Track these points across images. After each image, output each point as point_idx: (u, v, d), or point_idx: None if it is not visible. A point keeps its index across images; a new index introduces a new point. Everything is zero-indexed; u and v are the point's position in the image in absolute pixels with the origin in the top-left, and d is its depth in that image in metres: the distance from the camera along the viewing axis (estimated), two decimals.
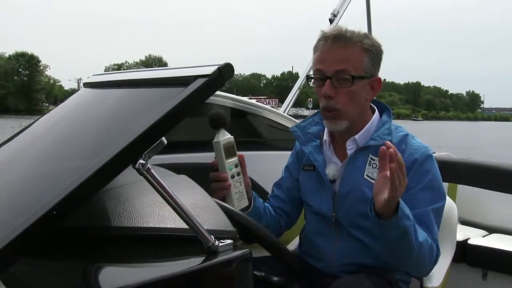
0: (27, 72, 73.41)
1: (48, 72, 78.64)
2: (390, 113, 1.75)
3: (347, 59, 1.60)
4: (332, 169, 1.72)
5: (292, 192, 1.89)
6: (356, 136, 1.68)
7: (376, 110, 1.76)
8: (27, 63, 73.90)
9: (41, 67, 75.90)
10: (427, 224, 1.57)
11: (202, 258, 1.03)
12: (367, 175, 1.65)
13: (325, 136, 1.77)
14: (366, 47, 1.62)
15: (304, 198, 1.85)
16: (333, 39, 1.61)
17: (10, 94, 67.26)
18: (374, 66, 1.66)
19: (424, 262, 1.57)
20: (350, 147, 1.70)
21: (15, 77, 71.58)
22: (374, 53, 1.65)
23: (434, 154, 1.71)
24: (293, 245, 2.09)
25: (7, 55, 75.07)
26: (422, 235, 1.51)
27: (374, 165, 1.64)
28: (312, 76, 1.69)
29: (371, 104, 1.76)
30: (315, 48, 1.67)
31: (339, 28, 1.65)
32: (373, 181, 1.62)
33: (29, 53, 75.38)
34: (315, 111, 1.93)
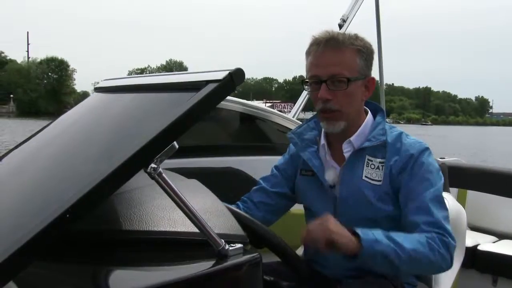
0: (56, 76, 75.59)
1: (74, 76, 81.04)
2: (383, 114, 1.76)
3: (340, 61, 1.61)
4: (332, 174, 1.72)
5: (279, 187, 1.86)
6: (351, 138, 1.69)
7: (369, 112, 1.76)
8: (57, 68, 76.14)
9: (70, 72, 78.15)
10: (428, 212, 1.56)
11: (213, 262, 1.04)
12: (365, 176, 1.66)
13: (322, 140, 1.77)
14: (358, 48, 1.63)
15: (304, 203, 1.86)
16: (324, 43, 1.62)
17: (40, 98, 69.13)
18: (367, 66, 1.67)
19: (429, 262, 1.51)
20: (346, 150, 1.70)
21: (45, 81, 73.59)
22: (366, 53, 1.65)
23: (444, 160, 1.72)
24: (299, 251, 2.09)
25: (38, 60, 77.30)
26: (410, 241, 1.49)
27: (372, 166, 1.66)
28: (307, 80, 1.69)
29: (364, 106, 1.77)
30: (307, 53, 1.68)
31: (329, 31, 1.65)
32: (372, 182, 1.64)
33: (59, 58, 77.87)
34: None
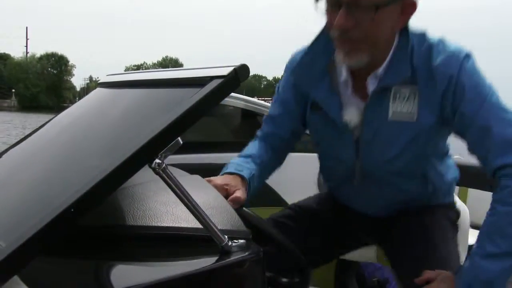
0: (55, 71, 76.69)
1: (74, 72, 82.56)
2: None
3: None
4: (353, 113, 1.44)
5: (294, 129, 1.63)
6: (378, 72, 1.40)
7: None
8: (56, 63, 77.07)
9: (69, 67, 79.26)
10: (491, 132, 1.33)
11: (216, 258, 1.03)
12: (394, 114, 1.39)
13: (343, 74, 1.45)
14: None
15: (317, 144, 1.64)
16: None
17: (41, 92, 70.26)
18: None
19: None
20: (372, 84, 1.42)
21: (45, 76, 74.67)
22: None
23: None
24: None
25: (38, 55, 78.27)
26: (491, 233, 1.37)
27: (403, 97, 1.37)
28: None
29: None
30: None
31: None
32: (404, 119, 1.39)
33: (59, 53, 79.26)
34: None
